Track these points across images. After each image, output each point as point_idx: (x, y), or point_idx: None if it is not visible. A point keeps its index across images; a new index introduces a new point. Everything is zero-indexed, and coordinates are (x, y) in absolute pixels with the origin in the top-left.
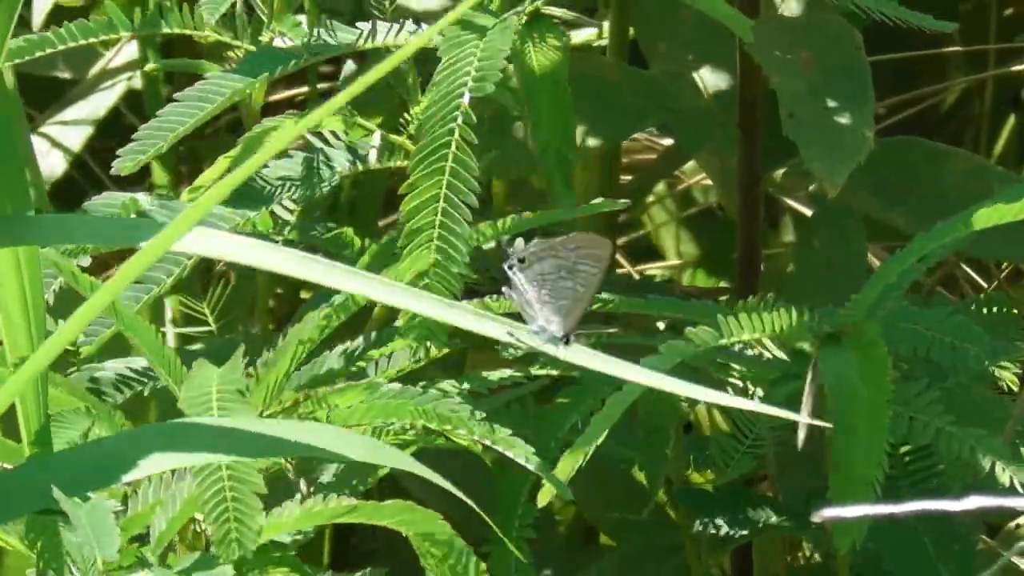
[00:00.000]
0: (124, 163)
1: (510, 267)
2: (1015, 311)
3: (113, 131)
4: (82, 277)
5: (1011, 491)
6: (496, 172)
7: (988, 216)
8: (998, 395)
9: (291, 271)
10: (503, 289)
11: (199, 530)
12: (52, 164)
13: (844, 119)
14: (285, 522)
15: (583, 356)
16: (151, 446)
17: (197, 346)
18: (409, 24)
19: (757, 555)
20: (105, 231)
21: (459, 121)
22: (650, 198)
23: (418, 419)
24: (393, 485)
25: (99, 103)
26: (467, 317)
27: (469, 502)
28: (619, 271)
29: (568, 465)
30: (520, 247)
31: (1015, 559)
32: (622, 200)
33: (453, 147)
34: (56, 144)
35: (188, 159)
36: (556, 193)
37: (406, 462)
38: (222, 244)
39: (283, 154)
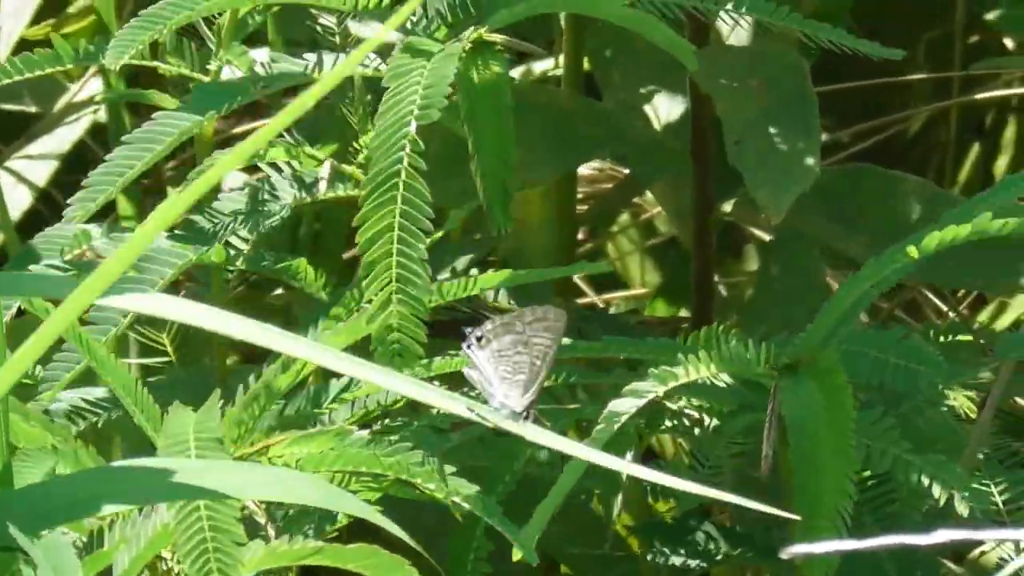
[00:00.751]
0: (76, 212)
1: (468, 346)
2: (973, 338)
3: (79, 165)
4: (41, 306)
5: (976, 520)
6: (458, 202)
7: (930, 241)
8: (957, 422)
9: (218, 328)
10: (464, 370)
11: (166, 568)
12: (18, 198)
13: (790, 147)
14: (250, 561)
15: (542, 435)
16: (117, 484)
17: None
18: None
19: None
20: (29, 285)
21: (407, 150)
22: (615, 228)
23: (387, 471)
24: (363, 524)
25: (64, 137)
26: (430, 394)
27: (417, 547)
28: (583, 300)
29: (533, 531)
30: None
31: (980, 565)
32: (600, 263)
33: (403, 176)
34: (22, 179)
35: (153, 190)
36: (494, 218)
37: (367, 511)
38: (149, 303)
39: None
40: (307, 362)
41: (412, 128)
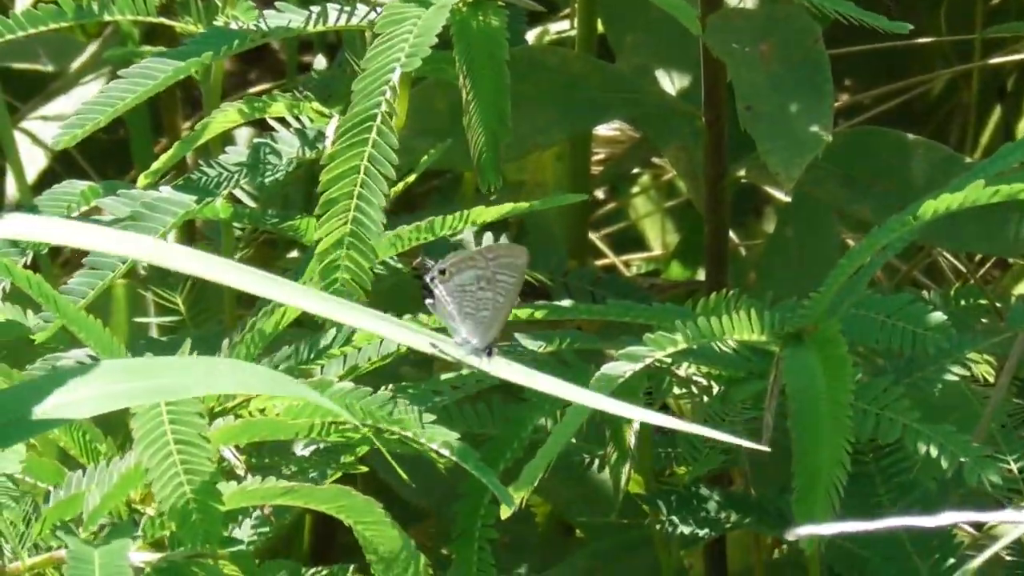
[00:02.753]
0: (62, 136)
1: (431, 279)
2: (991, 302)
3: None
4: (22, 273)
5: (994, 487)
6: (455, 162)
7: (926, 210)
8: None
9: (194, 271)
10: (426, 302)
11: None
12: (34, 157)
13: (801, 113)
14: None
15: (505, 369)
16: (61, 395)
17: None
18: (361, 7)
19: (732, 549)
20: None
21: (387, 96)
22: (635, 189)
23: (365, 419)
24: (376, 484)
25: (80, 97)
26: (394, 330)
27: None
28: (602, 261)
29: (528, 479)
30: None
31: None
32: (583, 195)
33: (378, 120)
34: (37, 140)
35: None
36: (484, 174)
37: (309, 394)
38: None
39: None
40: (288, 310)
41: (396, 75)
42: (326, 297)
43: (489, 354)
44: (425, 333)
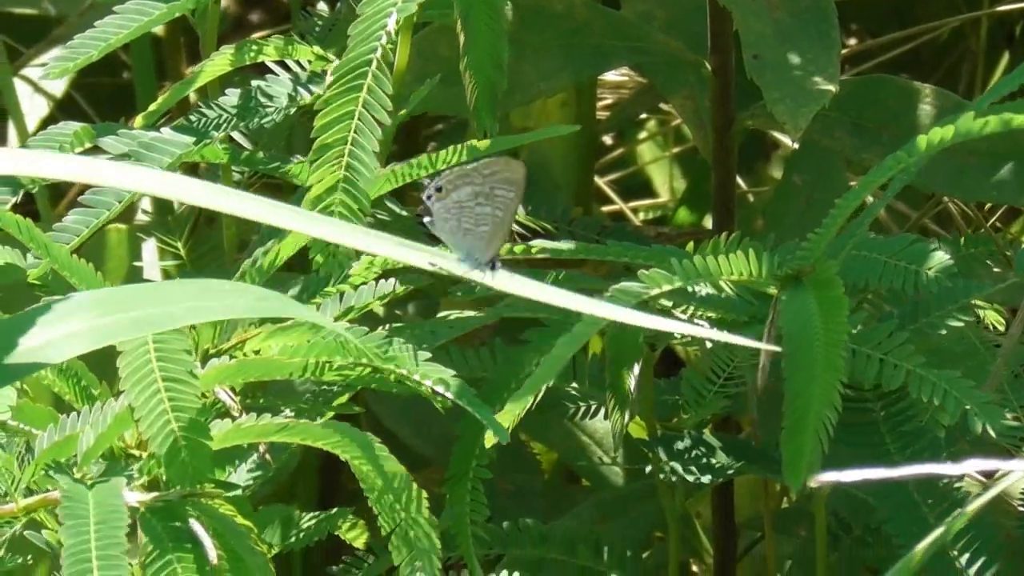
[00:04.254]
0: (53, 69)
1: (428, 197)
2: (1000, 250)
3: (99, 67)
4: (10, 218)
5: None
6: (459, 108)
7: (920, 144)
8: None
9: (195, 200)
10: (424, 220)
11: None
12: (36, 105)
13: (808, 63)
14: (217, 437)
15: (511, 282)
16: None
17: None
18: None
19: (740, 497)
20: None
21: (383, 41)
22: (642, 134)
23: (360, 357)
24: (385, 436)
25: None
26: (390, 246)
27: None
28: (608, 208)
29: (516, 407)
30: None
31: (1005, 494)
32: (575, 127)
33: (374, 65)
34: (39, 88)
35: None
36: (479, 119)
37: (298, 309)
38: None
39: None
40: (284, 248)
41: (392, 21)
42: (324, 219)
43: (492, 267)
44: (425, 250)
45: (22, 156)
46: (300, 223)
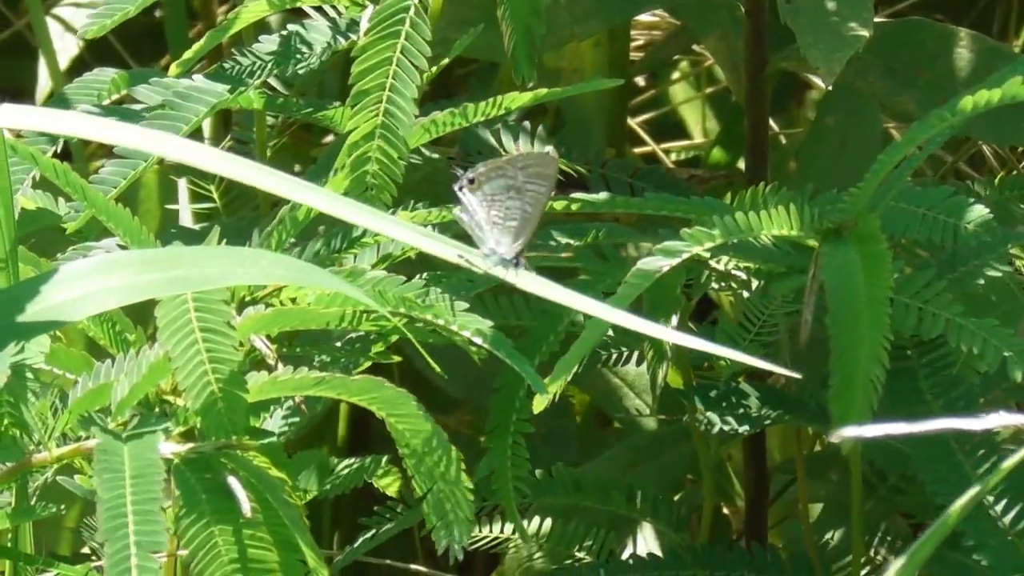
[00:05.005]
0: (90, 27)
1: (459, 188)
2: None
3: None
4: (48, 162)
5: None
6: (491, 53)
7: (965, 104)
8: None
9: (221, 171)
10: (454, 211)
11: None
12: (67, 45)
13: (843, 6)
14: (253, 389)
15: (532, 282)
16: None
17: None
18: None
19: (772, 441)
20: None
21: None
22: (675, 75)
23: (398, 306)
24: (412, 374)
25: None
26: (420, 239)
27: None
28: (640, 149)
29: (561, 373)
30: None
31: None
32: (619, 80)
33: (411, 11)
34: (69, 27)
35: None
36: (518, 66)
37: (335, 283)
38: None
39: None
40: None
41: None
42: (352, 203)
43: (517, 265)
44: (452, 244)
45: (49, 114)
46: (330, 205)
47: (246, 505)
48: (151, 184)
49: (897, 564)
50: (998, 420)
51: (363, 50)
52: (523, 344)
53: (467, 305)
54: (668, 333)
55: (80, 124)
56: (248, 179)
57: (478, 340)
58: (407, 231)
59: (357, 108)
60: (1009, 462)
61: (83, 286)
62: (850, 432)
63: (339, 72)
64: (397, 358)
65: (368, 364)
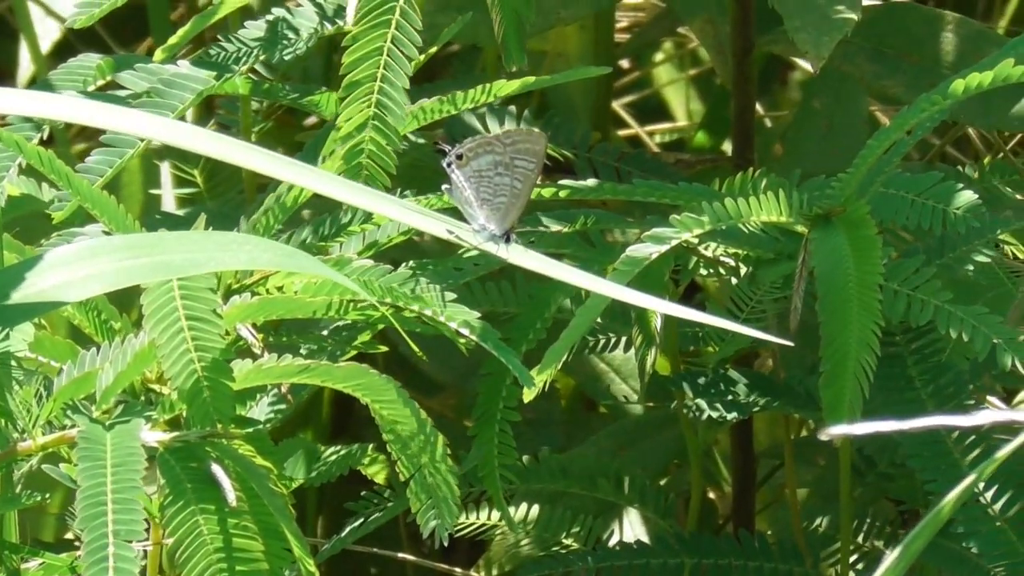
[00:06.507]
0: (79, 16)
1: (448, 164)
2: (1021, 177)
3: None
4: (33, 150)
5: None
6: (478, 37)
7: (956, 88)
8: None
9: (212, 153)
10: (443, 187)
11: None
12: (49, 29)
13: None
14: (238, 377)
15: (523, 257)
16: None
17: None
18: None
19: (759, 426)
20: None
21: None
22: (659, 57)
23: (384, 296)
24: (397, 358)
25: None
26: (410, 215)
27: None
28: (625, 132)
29: (550, 361)
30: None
31: None
32: (606, 68)
33: (402, 1)
34: (51, 11)
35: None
36: (508, 52)
37: (319, 268)
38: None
39: None
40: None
41: None
42: (341, 181)
43: (507, 240)
44: (442, 219)
45: (35, 98)
46: (320, 184)
47: (231, 494)
48: (133, 168)
49: (892, 556)
50: (989, 416)
51: (354, 39)
52: (509, 332)
53: (455, 295)
54: (666, 306)
55: (71, 108)
56: (246, 162)
57: (465, 332)
58: (399, 209)
59: (349, 99)
60: (1003, 452)
61: (67, 272)
62: (840, 430)
63: (323, 56)
64: (384, 348)
65: (353, 353)
